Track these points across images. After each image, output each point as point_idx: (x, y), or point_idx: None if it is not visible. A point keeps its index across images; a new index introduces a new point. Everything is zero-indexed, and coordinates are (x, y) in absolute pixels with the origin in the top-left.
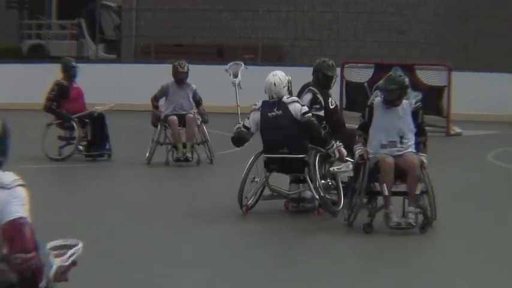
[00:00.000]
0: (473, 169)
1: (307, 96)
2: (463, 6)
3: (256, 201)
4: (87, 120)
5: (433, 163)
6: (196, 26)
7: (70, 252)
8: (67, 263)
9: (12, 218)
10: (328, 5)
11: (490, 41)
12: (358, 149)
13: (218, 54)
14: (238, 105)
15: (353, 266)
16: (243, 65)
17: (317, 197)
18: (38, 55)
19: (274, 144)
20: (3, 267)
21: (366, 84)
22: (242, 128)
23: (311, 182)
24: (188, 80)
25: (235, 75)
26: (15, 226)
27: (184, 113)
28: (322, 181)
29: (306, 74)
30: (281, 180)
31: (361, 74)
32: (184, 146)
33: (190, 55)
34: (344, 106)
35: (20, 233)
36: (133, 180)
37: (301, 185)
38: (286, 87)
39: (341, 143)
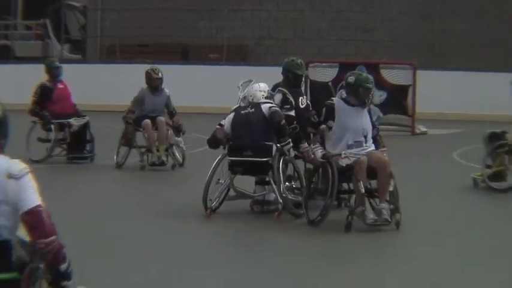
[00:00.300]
0: (439, 168)
1: (277, 97)
2: (428, 3)
3: (221, 202)
4: (65, 122)
5: (399, 162)
6: (161, 26)
7: None
8: None
9: (30, 208)
10: (293, 3)
11: (455, 38)
12: (319, 149)
13: (183, 54)
14: None
15: (316, 265)
16: (253, 81)
17: (280, 200)
18: (4, 56)
19: (240, 145)
20: (22, 252)
21: (330, 83)
22: (217, 126)
23: (275, 185)
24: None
25: (244, 91)
26: (34, 215)
27: (154, 115)
28: (287, 183)
29: (270, 74)
30: (247, 181)
31: (325, 74)
32: (158, 150)
33: (155, 55)
34: None
35: (39, 221)
36: (105, 183)
37: (266, 186)
38: (263, 93)
39: (307, 145)
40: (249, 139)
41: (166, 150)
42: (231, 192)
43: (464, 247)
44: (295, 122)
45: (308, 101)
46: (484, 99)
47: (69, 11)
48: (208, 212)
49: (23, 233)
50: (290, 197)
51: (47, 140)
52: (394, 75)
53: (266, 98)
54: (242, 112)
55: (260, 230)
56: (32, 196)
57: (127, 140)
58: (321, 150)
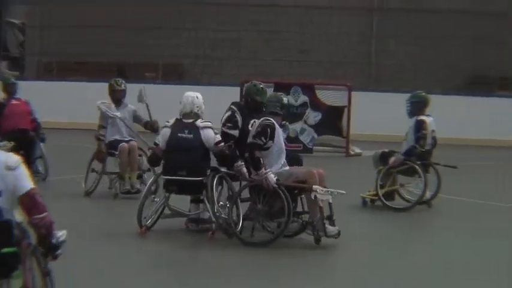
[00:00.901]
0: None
1: (227, 114)
2: (365, 26)
3: (156, 220)
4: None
5: (333, 183)
6: (98, 44)
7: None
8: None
9: (26, 191)
10: (231, 24)
11: (392, 59)
12: (271, 174)
13: (119, 72)
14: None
15: (250, 284)
16: (143, 88)
17: (214, 219)
18: None
19: (175, 165)
20: (17, 231)
21: None
22: (153, 145)
23: (208, 204)
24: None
25: (141, 100)
26: (30, 197)
27: (127, 139)
28: (221, 203)
29: (205, 92)
30: (182, 199)
31: None
32: (130, 177)
33: (91, 73)
34: None
35: (34, 202)
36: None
37: (201, 204)
38: (203, 103)
39: (242, 163)
40: (184, 162)
41: (139, 177)
42: (166, 211)
43: (380, 260)
44: (231, 142)
45: None
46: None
47: (8, 28)
48: (143, 229)
49: (16, 215)
50: (223, 215)
51: None
52: (330, 96)
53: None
54: (179, 135)
55: (195, 248)
56: (27, 182)
57: (100, 158)
58: (274, 175)
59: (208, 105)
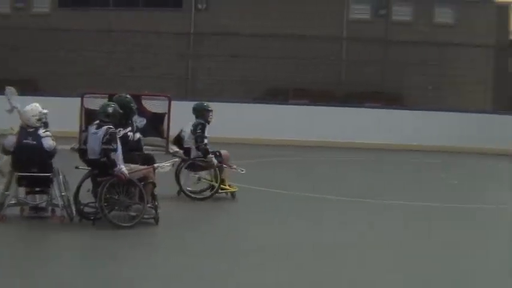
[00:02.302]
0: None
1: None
2: (183, 47)
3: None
4: None
5: (162, 176)
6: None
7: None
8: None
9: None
10: (75, 45)
11: (205, 75)
12: (124, 168)
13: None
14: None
15: (90, 260)
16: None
17: (61, 204)
18: None
19: (26, 164)
20: None
21: None
22: None
23: (58, 195)
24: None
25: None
26: None
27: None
28: (63, 193)
29: (51, 101)
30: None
31: (97, 103)
32: None
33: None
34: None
35: None
36: None
37: (37, 195)
38: (36, 116)
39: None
40: (34, 161)
41: None
42: (11, 200)
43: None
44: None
45: (129, 133)
46: (238, 126)
47: None
48: (0, 217)
49: None
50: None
51: None
52: (153, 105)
53: (39, 120)
54: (24, 141)
55: (44, 230)
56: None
57: None
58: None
59: (55, 111)
